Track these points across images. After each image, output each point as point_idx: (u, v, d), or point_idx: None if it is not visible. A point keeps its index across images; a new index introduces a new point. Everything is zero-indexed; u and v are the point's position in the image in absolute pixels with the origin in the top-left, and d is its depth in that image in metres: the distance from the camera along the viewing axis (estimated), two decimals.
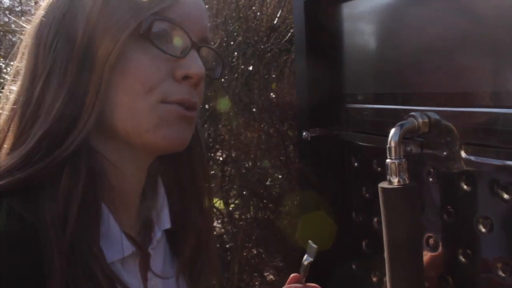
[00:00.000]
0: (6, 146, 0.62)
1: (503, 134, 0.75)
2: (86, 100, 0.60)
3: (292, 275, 0.85)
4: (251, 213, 2.47)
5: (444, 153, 0.83)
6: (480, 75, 0.79)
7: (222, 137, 2.56)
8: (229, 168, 2.58)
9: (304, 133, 1.14)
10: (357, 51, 1.06)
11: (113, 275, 0.59)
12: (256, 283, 2.56)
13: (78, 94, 0.60)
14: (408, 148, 0.86)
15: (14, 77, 0.66)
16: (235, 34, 2.45)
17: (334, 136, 1.12)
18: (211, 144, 2.60)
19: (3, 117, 0.64)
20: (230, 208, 2.66)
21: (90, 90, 0.60)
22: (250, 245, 2.50)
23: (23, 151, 0.58)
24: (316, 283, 0.85)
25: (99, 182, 0.61)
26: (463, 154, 0.81)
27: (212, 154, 2.63)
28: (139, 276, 0.68)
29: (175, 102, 0.63)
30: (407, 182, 0.79)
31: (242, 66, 2.37)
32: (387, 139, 0.80)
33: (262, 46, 2.32)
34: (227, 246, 2.63)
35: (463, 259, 0.82)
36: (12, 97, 0.64)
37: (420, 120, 0.82)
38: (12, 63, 0.69)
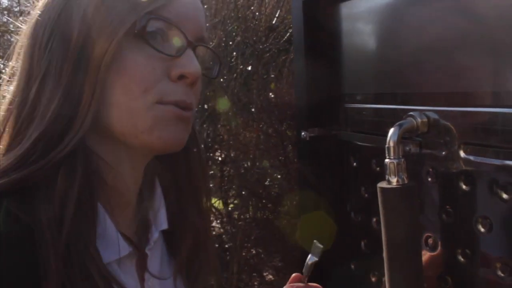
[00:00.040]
0: (1, 147, 0.62)
1: (502, 134, 0.75)
2: (81, 101, 0.60)
3: (293, 274, 0.85)
4: (250, 213, 2.47)
5: (443, 152, 0.83)
6: (478, 74, 0.79)
7: (221, 137, 2.56)
8: (228, 168, 2.58)
9: (302, 133, 1.14)
10: (355, 51, 1.06)
11: (110, 275, 0.58)
12: (255, 283, 2.56)
13: (74, 95, 0.60)
14: (407, 148, 0.86)
15: (10, 78, 0.66)
16: (234, 34, 2.45)
17: (333, 136, 1.12)
18: (210, 144, 2.60)
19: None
20: (229, 208, 2.66)
21: (86, 90, 0.60)
22: (249, 245, 2.50)
23: (18, 152, 0.58)
24: (316, 283, 0.85)
25: (95, 183, 0.61)
26: (462, 153, 0.80)
27: (211, 154, 2.63)
28: (136, 276, 0.68)
29: (171, 103, 0.63)
30: (406, 182, 0.79)
31: (241, 66, 2.37)
32: (385, 139, 0.80)
33: (260, 46, 2.32)
34: (226, 246, 2.63)
35: (462, 259, 0.82)
36: (8, 97, 0.64)
37: (419, 120, 0.82)
38: (10, 63, 0.68)
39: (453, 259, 0.83)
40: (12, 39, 0.68)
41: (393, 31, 0.95)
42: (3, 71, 0.69)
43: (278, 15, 2.39)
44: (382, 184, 0.80)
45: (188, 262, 0.76)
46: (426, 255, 0.87)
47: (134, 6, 0.61)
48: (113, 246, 0.63)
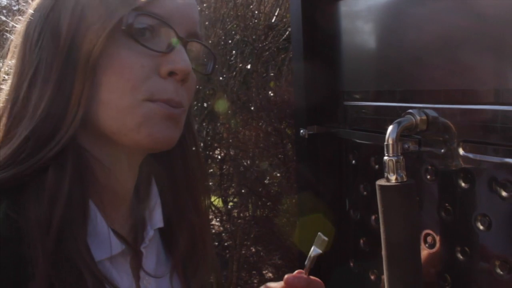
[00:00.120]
0: None
1: (501, 132, 0.74)
2: (71, 99, 0.60)
3: (297, 271, 0.84)
4: (250, 211, 2.48)
5: (442, 150, 0.83)
6: (478, 72, 0.79)
7: (221, 135, 2.56)
8: (227, 167, 2.58)
9: (301, 131, 1.13)
10: (354, 49, 1.06)
11: (100, 274, 0.58)
12: (255, 281, 2.57)
13: (64, 92, 0.60)
14: (406, 146, 0.86)
15: (6, 76, 0.66)
16: (233, 32, 2.45)
17: (332, 134, 1.12)
18: (209, 143, 2.60)
19: None
20: (229, 207, 2.66)
21: (75, 88, 0.60)
22: (248, 243, 2.50)
23: (8, 150, 0.58)
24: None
25: (86, 180, 0.61)
26: (461, 151, 0.80)
27: (211, 153, 2.63)
28: (131, 274, 0.67)
29: (161, 101, 0.62)
30: (405, 179, 0.78)
31: (240, 65, 2.37)
32: (384, 137, 0.80)
33: (260, 45, 2.32)
34: (226, 244, 2.63)
35: (461, 257, 0.82)
36: (3, 95, 0.64)
37: (418, 118, 0.82)
38: (9, 62, 0.69)
39: (452, 256, 0.83)
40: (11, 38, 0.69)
41: (391, 28, 0.95)
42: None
43: (277, 13, 2.39)
44: (381, 182, 0.80)
45: (186, 260, 0.76)
46: (425, 253, 0.87)
47: (122, 2, 0.61)
48: (105, 244, 0.62)
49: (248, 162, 2.37)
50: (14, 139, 0.59)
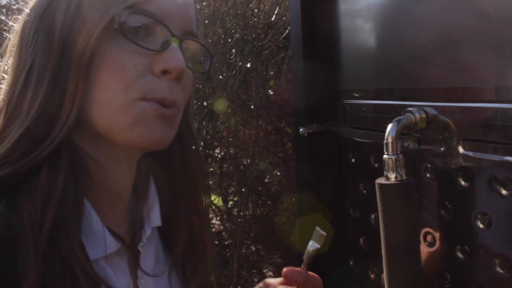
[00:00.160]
0: None
1: (501, 130, 0.74)
2: (65, 98, 0.60)
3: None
4: (250, 210, 2.48)
5: (442, 148, 0.83)
6: (477, 70, 0.79)
7: (221, 134, 2.56)
8: (227, 165, 2.58)
9: (301, 129, 1.13)
10: (353, 47, 1.05)
11: (94, 273, 0.58)
12: (255, 279, 2.57)
13: (57, 92, 0.60)
14: (405, 144, 0.86)
15: (4, 75, 0.66)
16: (233, 31, 2.45)
17: (331, 132, 1.11)
18: (209, 141, 2.60)
19: None
20: (229, 205, 2.66)
21: (69, 87, 0.60)
22: (248, 242, 2.50)
23: (2, 149, 0.58)
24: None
25: (81, 179, 0.61)
26: (460, 149, 0.80)
27: (211, 151, 2.63)
28: (128, 273, 0.67)
29: (154, 100, 0.62)
30: (404, 178, 0.78)
31: (240, 63, 2.37)
32: (384, 135, 0.80)
33: (259, 43, 2.31)
34: (226, 243, 2.63)
35: (461, 255, 0.82)
36: (1, 94, 0.64)
37: (418, 116, 0.81)
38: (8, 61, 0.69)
39: (452, 255, 0.83)
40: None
41: (390, 26, 0.95)
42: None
43: (277, 12, 2.39)
44: (380, 180, 0.79)
45: (185, 259, 0.76)
46: (425, 251, 0.87)
47: (114, 1, 0.60)
48: (100, 242, 0.62)
49: (248, 161, 2.37)
50: (9, 137, 0.59)
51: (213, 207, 2.60)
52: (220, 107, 2.29)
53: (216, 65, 2.29)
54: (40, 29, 0.62)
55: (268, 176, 2.37)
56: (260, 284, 0.83)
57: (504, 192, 0.75)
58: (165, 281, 0.73)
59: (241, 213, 2.51)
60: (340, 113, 1.10)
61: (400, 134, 0.79)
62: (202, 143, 2.52)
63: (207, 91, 2.45)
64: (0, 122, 0.61)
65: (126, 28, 0.61)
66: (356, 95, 1.05)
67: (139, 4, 0.61)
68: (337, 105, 1.10)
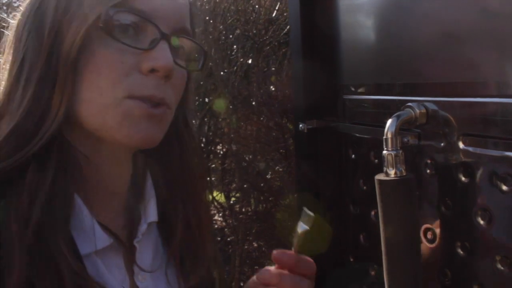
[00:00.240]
0: None
1: (502, 125, 0.73)
2: (53, 96, 0.60)
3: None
4: (252, 206, 2.47)
5: (442, 144, 0.82)
6: (478, 65, 0.78)
7: (222, 130, 2.56)
8: (229, 162, 2.58)
9: (300, 125, 1.13)
10: (353, 42, 1.05)
11: (81, 269, 0.58)
12: None
13: (46, 90, 0.60)
14: (405, 139, 0.85)
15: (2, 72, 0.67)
16: (234, 27, 2.44)
17: (331, 128, 1.11)
18: (211, 138, 2.60)
19: None
20: (231, 202, 2.66)
21: (57, 86, 0.60)
22: (251, 238, 2.50)
23: None
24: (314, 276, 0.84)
25: (72, 175, 0.61)
26: (461, 145, 0.79)
27: (212, 148, 2.63)
28: (123, 269, 0.67)
29: (141, 98, 0.62)
30: (404, 173, 0.78)
31: (241, 59, 2.37)
32: (383, 130, 0.79)
33: (260, 39, 2.31)
34: (228, 239, 2.63)
35: (461, 252, 0.81)
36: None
37: (417, 111, 0.81)
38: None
39: (452, 251, 0.82)
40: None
41: (390, 21, 0.94)
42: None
43: (278, 7, 2.38)
44: (380, 176, 0.79)
45: (184, 254, 0.75)
46: (425, 247, 0.86)
47: None
48: (91, 237, 0.62)
49: (250, 157, 2.36)
50: None
51: (215, 203, 2.60)
52: (219, 107, 2.29)
53: (217, 61, 2.29)
54: (31, 26, 0.62)
55: (270, 172, 2.37)
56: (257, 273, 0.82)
57: (504, 187, 0.74)
58: (162, 276, 0.73)
59: (243, 210, 2.51)
60: (340, 109, 1.09)
61: (400, 130, 0.79)
62: (204, 140, 2.52)
63: (209, 87, 2.45)
64: None
65: (114, 26, 0.60)
66: (356, 90, 1.05)
67: (128, 2, 0.61)
68: (337, 100, 1.10)
